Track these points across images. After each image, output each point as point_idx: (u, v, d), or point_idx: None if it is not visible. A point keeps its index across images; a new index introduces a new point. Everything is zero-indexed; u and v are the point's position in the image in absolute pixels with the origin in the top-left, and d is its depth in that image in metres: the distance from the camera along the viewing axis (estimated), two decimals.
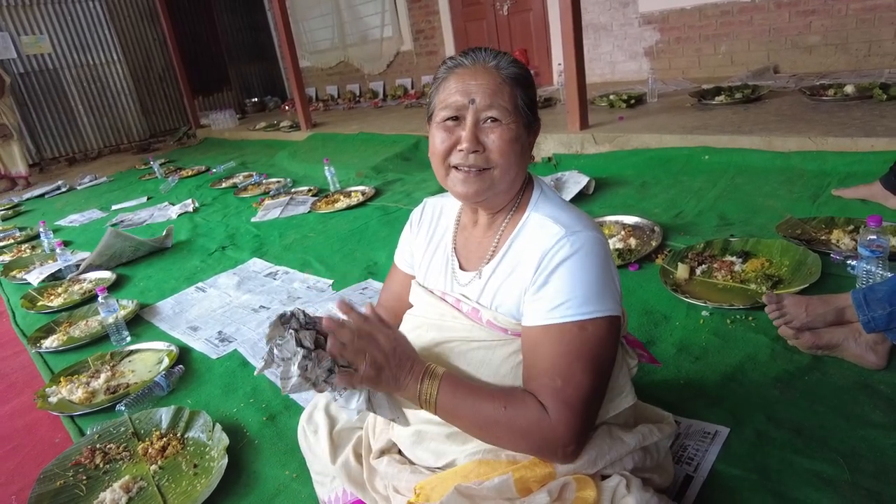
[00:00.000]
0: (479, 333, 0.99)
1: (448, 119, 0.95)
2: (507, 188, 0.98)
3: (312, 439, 1.22)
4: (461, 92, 0.94)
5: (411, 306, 1.14)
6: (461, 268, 1.07)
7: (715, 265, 2.07)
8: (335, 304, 0.93)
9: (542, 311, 0.91)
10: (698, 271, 2.07)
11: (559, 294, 0.90)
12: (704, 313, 1.83)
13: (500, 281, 0.98)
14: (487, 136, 0.93)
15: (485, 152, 0.94)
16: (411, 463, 1.07)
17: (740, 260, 2.06)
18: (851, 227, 2.16)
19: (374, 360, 0.88)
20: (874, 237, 1.66)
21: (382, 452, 1.12)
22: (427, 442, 1.03)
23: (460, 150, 0.94)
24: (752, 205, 2.64)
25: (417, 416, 1.04)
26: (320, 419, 1.23)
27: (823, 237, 2.15)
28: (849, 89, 3.51)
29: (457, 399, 0.90)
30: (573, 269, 0.90)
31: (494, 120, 0.93)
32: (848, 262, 1.92)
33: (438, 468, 1.02)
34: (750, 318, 1.76)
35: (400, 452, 1.11)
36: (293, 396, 1.85)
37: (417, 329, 1.08)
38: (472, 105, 0.93)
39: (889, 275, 1.58)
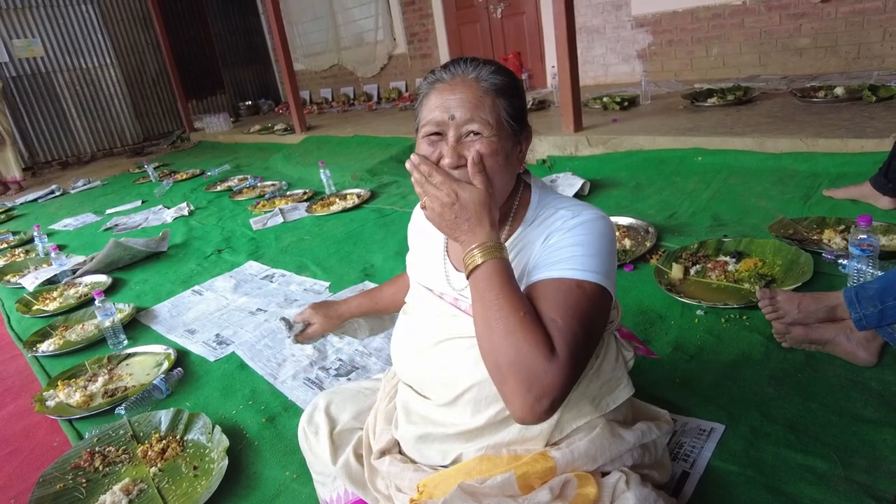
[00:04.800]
0: None
1: (432, 134, 0.95)
2: (495, 197, 0.96)
3: (313, 440, 1.23)
4: (441, 108, 0.93)
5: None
6: (456, 269, 1.07)
7: (709, 265, 2.09)
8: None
9: (543, 267, 0.91)
10: (692, 271, 2.09)
11: (561, 251, 0.91)
12: (699, 312, 1.86)
13: None
14: (469, 150, 0.92)
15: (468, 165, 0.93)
16: (413, 462, 1.08)
17: (734, 260, 2.09)
18: (842, 226, 2.19)
19: (433, 205, 0.91)
20: (864, 236, 1.69)
21: (383, 453, 1.13)
22: (432, 442, 1.04)
23: (444, 163, 0.94)
24: (744, 205, 2.67)
25: (423, 417, 1.05)
26: (320, 420, 1.24)
27: (815, 237, 2.18)
28: (839, 91, 3.56)
29: (491, 286, 0.86)
30: (579, 233, 0.92)
31: (476, 133, 0.92)
32: (839, 261, 1.95)
33: (443, 466, 1.03)
34: (744, 317, 1.78)
35: (400, 451, 1.12)
36: (291, 398, 1.86)
37: (415, 328, 1.08)
38: (452, 121, 0.93)
39: (879, 273, 1.61)
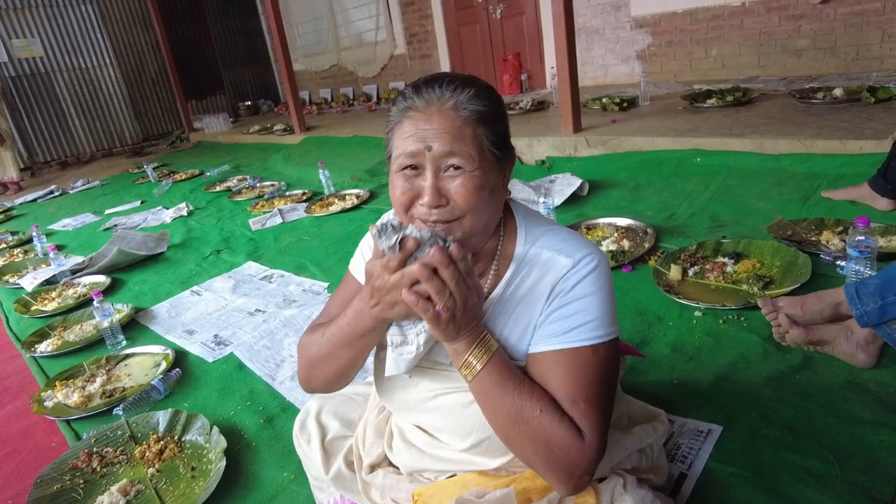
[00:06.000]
0: None
1: (406, 168, 0.85)
2: (481, 232, 0.89)
3: (306, 448, 1.22)
4: (416, 138, 0.83)
5: None
6: None
7: (707, 266, 2.10)
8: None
9: (553, 335, 0.86)
10: (691, 272, 2.09)
11: (574, 318, 0.86)
12: (697, 314, 1.86)
13: (501, 323, 0.91)
14: (450, 185, 0.83)
15: (449, 204, 0.84)
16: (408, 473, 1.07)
17: (732, 261, 2.09)
18: (840, 228, 2.19)
19: (454, 303, 0.79)
20: (863, 238, 1.69)
21: (373, 467, 1.11)
22: (428, 472, 1.02)
23: (422, 205, 0.84)
24: (743, 206, 2.67)
25: (429, 455, 1.01)
26: (312, 428, 1.22)
27: (813, 238, 2.18)
28: (837, 92, 3.56)
29: (497, 384, 0.84)
30: (586, 293, 0.86)
31: (457, 168, 0.83)
32: (837, 262, 1.95)
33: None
34: (742, 319, 1.78)
35: (390, 464, 1.10)
36: (289, 399, 1.85)
37: (406, 378, 0.97)
38: (429, 152, 0.82)
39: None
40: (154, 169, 6.42)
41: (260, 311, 2.55)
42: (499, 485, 0.93)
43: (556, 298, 0.87)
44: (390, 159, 0.89)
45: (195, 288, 2.96)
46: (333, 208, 3.85)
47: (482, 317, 0.86)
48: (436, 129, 0.82)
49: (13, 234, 4.76)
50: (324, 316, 1.04)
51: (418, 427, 1.02)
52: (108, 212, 5.10)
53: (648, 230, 2.48)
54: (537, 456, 0.82)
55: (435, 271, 0.78)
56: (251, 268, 3.11)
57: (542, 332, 0.87)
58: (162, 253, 3.59)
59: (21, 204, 6.24)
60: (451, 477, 1.00)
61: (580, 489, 0.83)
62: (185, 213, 4.49)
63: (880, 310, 1.40)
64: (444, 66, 7.18)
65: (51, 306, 2.97)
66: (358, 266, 1.05)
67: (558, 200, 3.05)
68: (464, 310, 0.80)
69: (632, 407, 1.17)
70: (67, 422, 1.92)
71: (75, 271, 3.37)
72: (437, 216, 0.84)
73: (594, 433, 0.81)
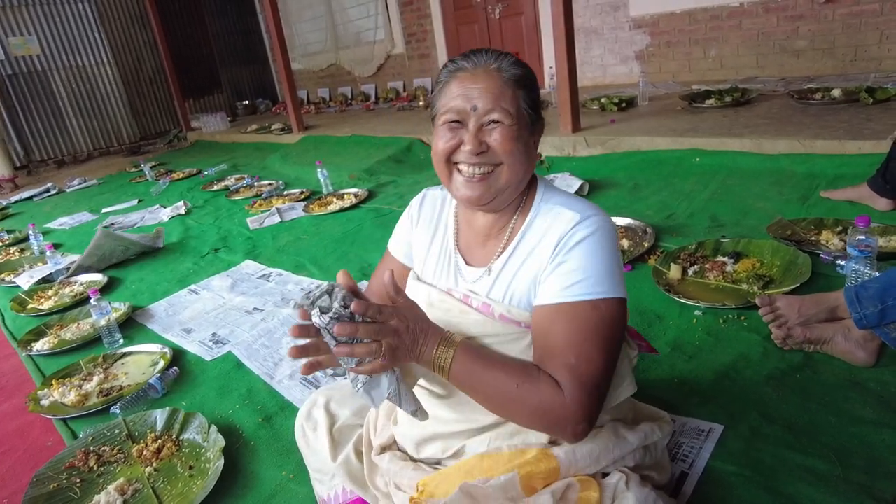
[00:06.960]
0: (492, 328, 0.98)
1: (452, 122, 0.96)
2: (515, 186, 0.98)
3: (311, 437, 1.22)
4: (463, 97, 0.95)
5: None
6: (467, 264, 1.06)
7: (707, 265, 2.09)
8: (339, 275, 0.89)
9: (555, 289, 0.91)
10: (690, 272, 2.09)
11: (574, 273, 0.91)
12: (697, 313, 1.85)
13: (512, 272, 0.98)
14: (490, 136, 0.94)
15: (489, 151, 0.94)
16: (413, 460, 1.07)
17: (732, 260, 2.08)
18: (840, 227, 2.19)
19: (389, 346, 0.86)
20: (863, 237, 1.69)
21: (383, 449, 1.12)
22: (436, 440, 1.04)
23: (465, 151, 0.95)
24: (742, 206, 2.67)
25: (432, 416, 1.02)
26: (320, 416, 1.23)
27: (813, 238, 2.18)
28: (836, 93, 3.56)
29: (471, 371, 0.89)
30: (589, 250, 0.91)
31: (497, 122, 0.94)
32: (837, 262, 1.95)
33: (445, 458, 1.03)
34: (742, 318, 1.78)
35: (400, 449, 1.12)
36: (288, 398, 1.85)
37: None
38: (474, 112, 0.94)
39: (877, 274, 1.61)
40: (151, 168, 6.40)
41: (258, 309, 2.54)
42: (503, 471, 0.93)
43: (560, 252, 0.93)
44: (435, 118, 0.99)
45: (193, 286, 2.94)
46: (332, 207, 3.84)
47: (424, 329, 0.90)
48: (481, 88, 0.94)
49: (9, 232, 4.73)
50: (369, 289, 1.21)
51: (422, 387, 1.06)
52: (105, 210, 5.08)
53: (648, 229, 2.48)
54: (529, 422, 0.90)
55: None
56: (249, 266, 3.10)
57: (546, 286, 0.93)
58: (159, 251, 3.58)
59: (17, 202, 6.22)
60: (453, 456, 1.01)
61: (579, 437, 0.89)
62: (182, 211, 4.47)
63: (880, 313, 1.41)
64: None
65: (47, 304, 2.95)
66: (397, 245, 1.21)
67: None
68: (401, 337, 0.87)
69: (636, 408, 1.17)
70: (64, 420, 1.91)
71: (69, 268, 3.35)
72: (479, 160, 0.95)
73: (575, 388, 0.86)
